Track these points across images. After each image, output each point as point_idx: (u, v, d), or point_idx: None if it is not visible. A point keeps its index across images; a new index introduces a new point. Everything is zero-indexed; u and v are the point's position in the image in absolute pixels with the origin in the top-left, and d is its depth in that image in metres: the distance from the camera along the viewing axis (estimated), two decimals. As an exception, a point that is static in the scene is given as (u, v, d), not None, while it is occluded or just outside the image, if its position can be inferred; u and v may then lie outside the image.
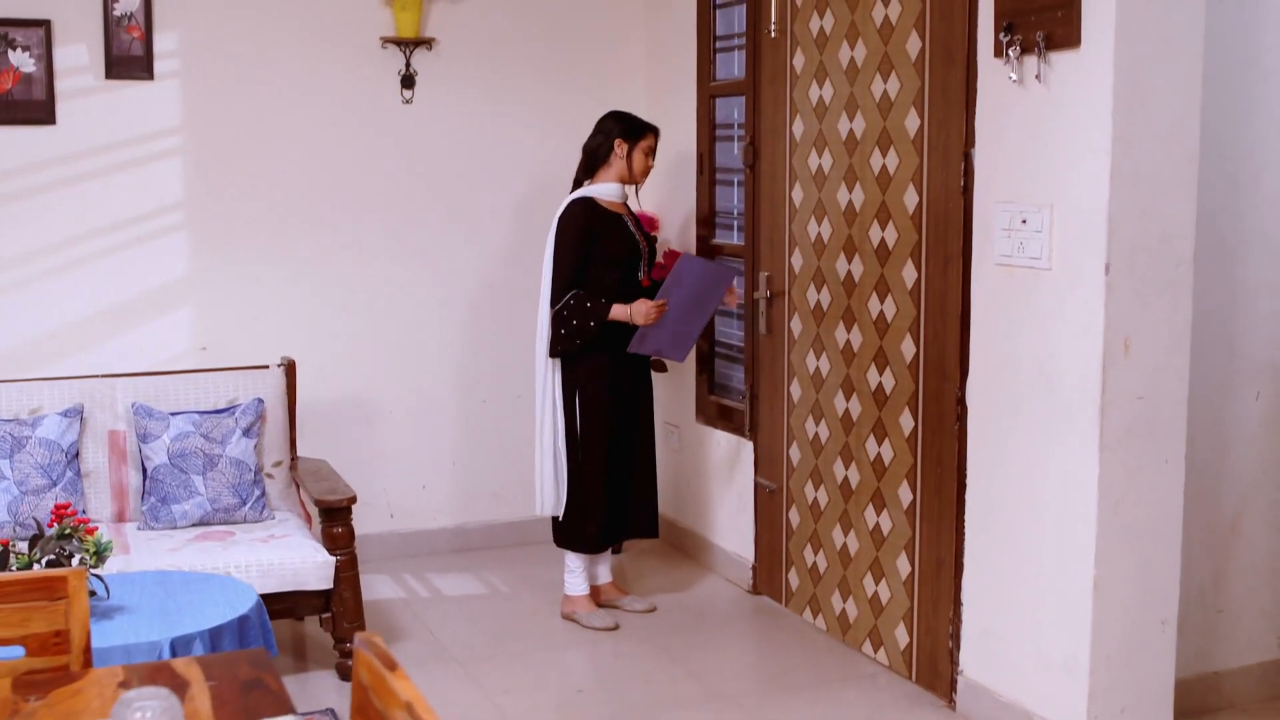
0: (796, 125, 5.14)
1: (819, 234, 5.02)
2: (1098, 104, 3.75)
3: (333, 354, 5.82)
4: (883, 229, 4.66)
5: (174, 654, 3.41)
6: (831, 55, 4.90)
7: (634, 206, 5.41)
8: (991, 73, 4.14)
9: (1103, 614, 3.86)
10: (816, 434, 5.10)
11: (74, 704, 2.19)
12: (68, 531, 3.58)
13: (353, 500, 4.72)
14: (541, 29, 6.13)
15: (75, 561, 3.60)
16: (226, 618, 3.61)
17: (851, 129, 4.80)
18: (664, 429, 6.19)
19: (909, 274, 4.54)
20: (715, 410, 5.91)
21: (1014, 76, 4.00)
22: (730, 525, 5.78)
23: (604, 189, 5.16)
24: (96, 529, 3.69)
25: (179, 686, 2.22)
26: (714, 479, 5.90)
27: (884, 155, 4.64)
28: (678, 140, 5.99)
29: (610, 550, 5.50)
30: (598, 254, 5.07)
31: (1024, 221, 4.01)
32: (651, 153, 5.23)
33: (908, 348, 4.56)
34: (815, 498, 5.13)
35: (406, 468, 6.05)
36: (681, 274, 5.07)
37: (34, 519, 4.19)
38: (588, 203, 5.12)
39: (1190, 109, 3.84)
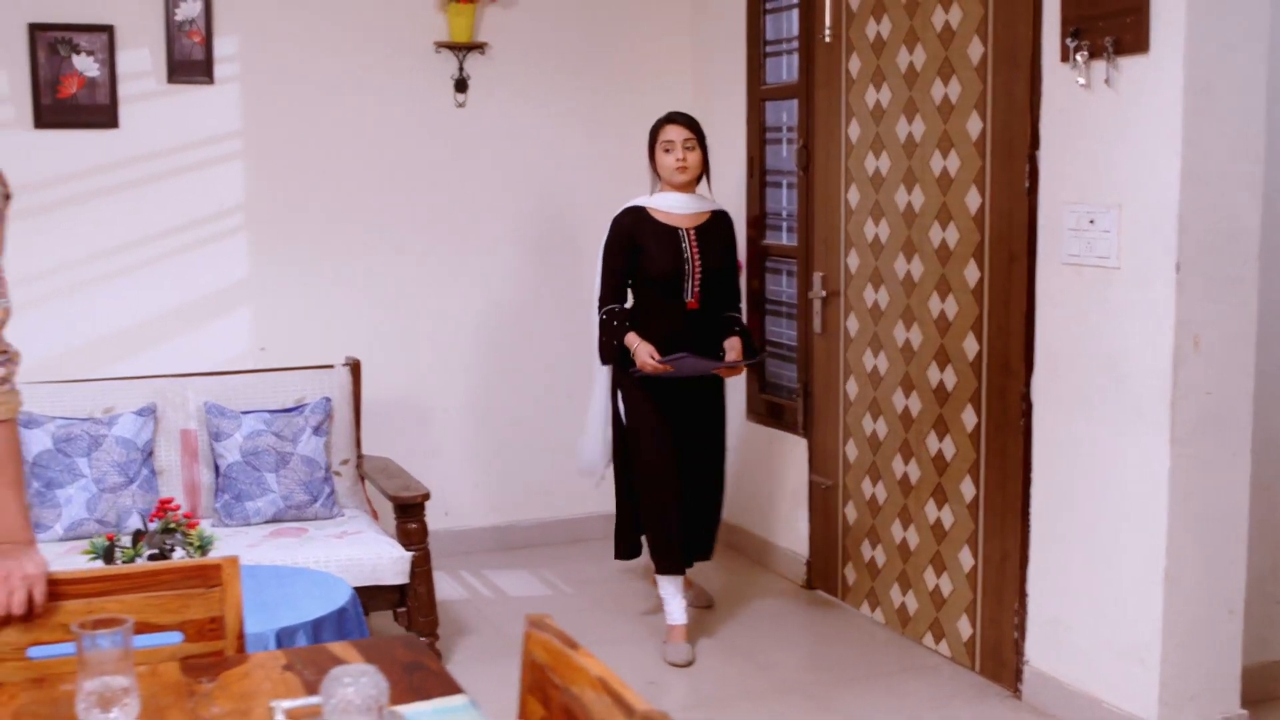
0: (852, 128, 5.23)
1: (876, 235, 5.12)
2: (1168, 107, 3.85)
3: (387, 353, 5.90)
4: (943, 230, 4.76)
5: (279, 645, 3.49)
6: (889, 60, 4.99)
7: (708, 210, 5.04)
8: (1057, 77, 4.23)
9: (1173, 603, 3.96)
10: (874, 431, 5.20)
11: (245, 685, 2.28)
12: (171, 526, 3.66)
13: (426, 497, 4.81)
14: (590, 33, 6.23)
15: (178, 555, 3.68)
16: (326, 610, 3.70)
17: (910, 132, 4.90)
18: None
19: (971, 273, 4.63)
20: (766, 408, 6.00)
21: (1082, 81, 4.10)
22: (783, 521, 5.87)
23: (661, 199, 4.96)
24: (198, 523, 3.78)
25: (342, 669, 2.31)
26: (765, 476, 6.00)
27: (944, 158, 4.74)
28: (726, 143, 6.08)
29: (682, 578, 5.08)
30: (640, 268, 4.91)
31: (1092, 222, 4.11)
32: (673, 147, 4.89)
33: (970, 345, 4.66)
34: (873, 493, 5.22)
35: (459, 466, 6.14)
36: (682, 366, 4.81)
37: (140, 514, 4.27)
38: (635, 212, 4.96)
39: (1256, 111, 3.94)
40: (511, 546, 6.25)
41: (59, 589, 2.44)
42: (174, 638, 2.50)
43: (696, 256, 4.89)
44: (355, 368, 5.44)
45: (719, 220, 5.02)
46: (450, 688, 2.27)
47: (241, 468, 4.94)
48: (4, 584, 2.37)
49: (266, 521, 4.93)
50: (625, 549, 5.24)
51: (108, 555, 3.69)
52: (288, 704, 2.12)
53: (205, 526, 4.19)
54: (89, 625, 2.06)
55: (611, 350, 4.92)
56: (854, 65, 5.20)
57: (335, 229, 5.85)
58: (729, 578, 5.86)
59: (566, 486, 6.22)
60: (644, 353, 4.78)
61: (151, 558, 3.67)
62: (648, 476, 4.96)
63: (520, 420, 6.25)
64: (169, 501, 3.81)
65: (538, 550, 6.22)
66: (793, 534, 5.80)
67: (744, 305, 5.38)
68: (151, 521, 3.76)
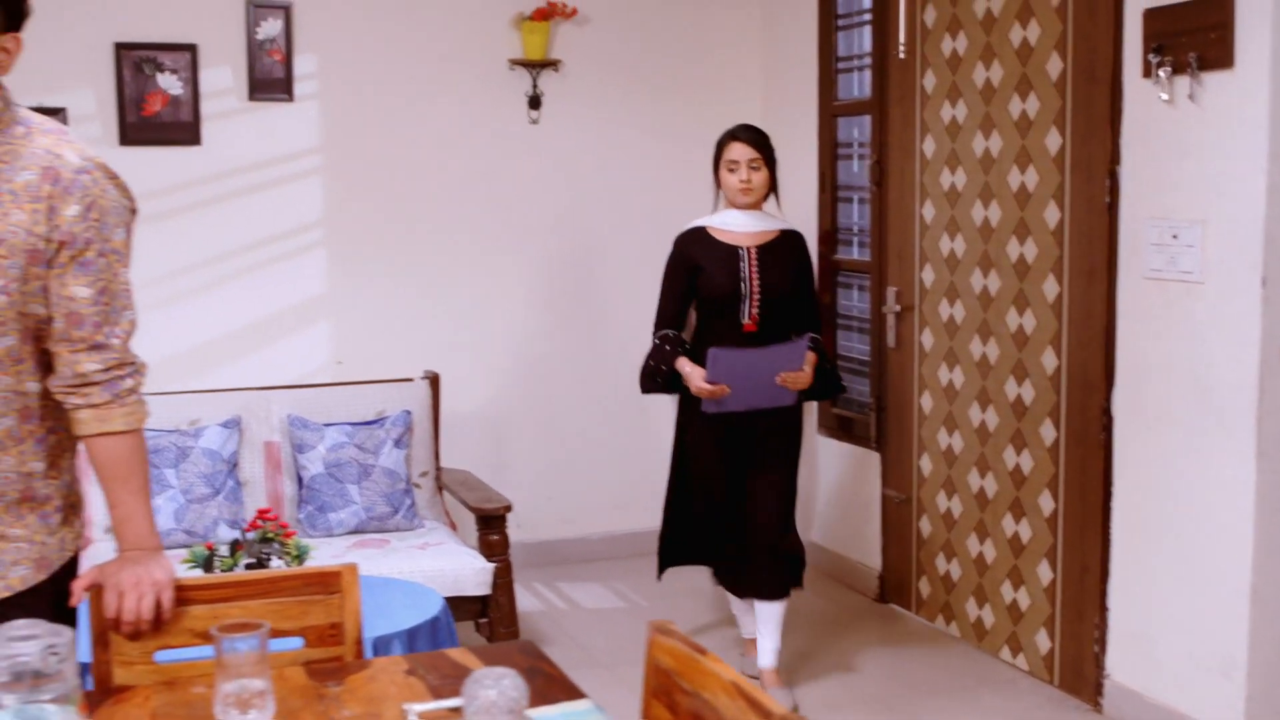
0: (927, 144, 5.27)
1: (952, 250, 5.15)
2: (1253, 122, 3.86)
3: (461, 367, 5.96)
4: (1021, 245, 4.78)
5: (375, 653, 3.55)
6: (965, 76, 5.02)
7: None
8: (1139, 92, 4.25)
9: (1260, 618, 3.96)
10: (949, 445, 5.22)
11: (371, 689, 2.33)
12: (269, 536, 3.73)
13: (509, 508, 4.87)
14: (661, 50, 6.28)
15: (274, 564, 3.75)
16: (420, 619, 3.76)
17: (987, 147, 4.93)
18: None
19: (1050, 288, 4.65)
20: (837, 422, 6.03)
21: (1164, 96, 4.12)
22: (855, 535, 5.89)
23: (722, 217, 4.71)
24: (295, 533, 3.85)
25: (465, 675, 2.36)
26: (836, 490, 6.02)
27: (1022, 173, 4.76)
28: (796, 159, 6.12)
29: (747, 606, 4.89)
30: (698, 289, 4.68)
31: (1175, 236, 4.12)
32: (738, 167, 4.61)
33: (1049, 360, 4.68)
34: (948, 507, 5.24)
35: (531, 479, 6.19)
36: (718, 367, 4.48)
37: (225, 524, 4.35)
38: (694, 232, 4.74)
39: (1342, 126, 3.95)
40: (583, 559, 6.29)
41: (185, 595, 2.50)
42: (295, 643, 2.56)
43: (755, 276, 4.59)
44: (434, 381, 5.51)
45: (787, 240, 4.70)
46: (572, 692, 2.31)
47: (324, 479, 5.01)
48: (134, 590, 2.43)
49: (349, 533, 5.00)
50: (661, 566, 4.96)
51: (207, 565, 3.76)
52: (420, 707, 2.17)
53: (301, 536, 4.26)
54: (227, 629, 2.12)
55: (657, 377, 4.68)
56: (929, 81, 5.23)
57: (411, 244, 5.93)
58: (802, 592, 5.87)
59: (637, 499, 6.26)
60: (697, 377, 4.50)
61: (248, 566, 3.74)
62: (702, 506, 4.74)
63: (592, 434, 6.30)
64: (266, 512, 3.88)
65: (609, 563, 6.26)
66: (865, 548, 5.82)
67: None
68: (248, 531, 3.83)
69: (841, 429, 6.00)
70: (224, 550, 3.86)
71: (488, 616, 4.76)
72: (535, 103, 6.07)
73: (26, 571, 2.48)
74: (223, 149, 5.64)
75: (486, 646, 2.60)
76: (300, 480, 5.08)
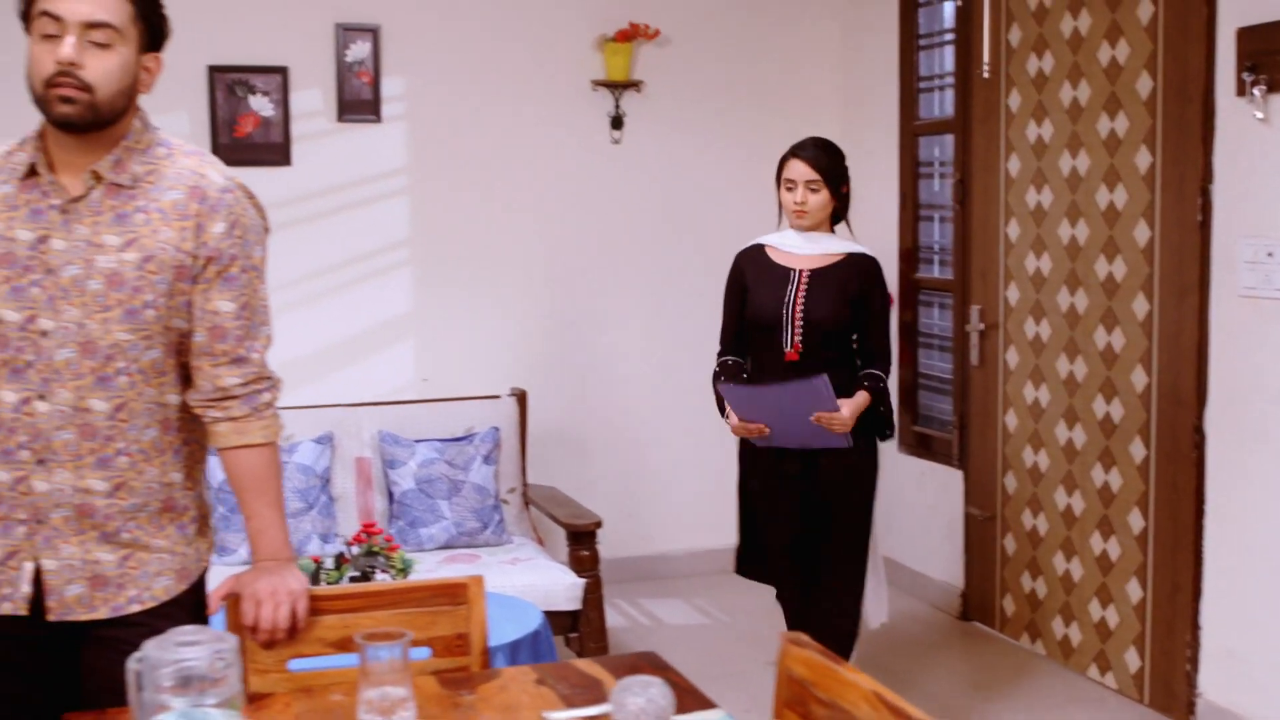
0: (1012, 163, 5.29)
1: (1038, 268, 5.16)
2: (1351, 140, 3.87)
3: (543, 384, 6.02)
4: (1109, 263, 4.79)
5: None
6: (1051, 95, 5.04)
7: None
8: (1232, 111, 4.26)
9: (1359, 636, 3.96)
10: (1035, 463, 5.22)
11: (505, 698, 2.38)
12: (374, 550, 3.79)
13: (599, 524, 4.92)
14: (741, 70, 6.33)
15: (379, 578, 3.81)
16: (521, 633, 3.81)
17: (1074, 166, 4.94)
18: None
19: (1140, 306, 4.66)
20: (917, 440, 6.05)
21: (1259, 115, 4.13)
22: (936, 552, 5.90)
23: (781, 237, 4.41)
24: (399, 547, 3.91)
25: (593, 685, 2.41)
26: (917, 507, 6.04)
27: (1110, 192, 4.78)
28: (877, 178, 6.16)
29: None
30: (745, 312, 4.40)
31: (1270, 254, 4.13)
32: (794, 186, 4.29)
33: (1138, 378, 4.68)
34: (1034, 525, 5.25)
35: (612, 495, 6.23)
36: (740, 405, 4.23)
37: (329, 539, 4.42)
38: (752, 250, 4.45)
39: None
40: (664, 576, 6.33)
41: (317, 605, 2.57)
42: (422, 653, 2.62)
43: (799, 302, 4.23)
44: (521, 398, 5.58)
45: (852, 265, 4.28)
46: (703, 702, 2.35)
47: (416, 495, 5.08)
48: (271, 599, 2.49)
49: (439, 548, 5.06)
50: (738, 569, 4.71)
51: (314, 578, 3.82)
52: (561, 715, 2.21)
53: (404, 551, 4.32)
54: (370, 637, 2.17)
55: (719, 403, 4.42)
56: (1014, 101, 5.26)
57: (495, 262, 6.00)
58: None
59: (717, 516, 6.29)
60: (733, 415, 4.26)
61: (352, 579, 3.80)
62: (765, 539, 4.47)
63: (674, 451, 6.34)
64: (371, 525, 3.95)
65: (690, 580, 6.29)
66: (947, 565, 5.83)
67: (891, 365, 4.40)
68: (353, 545, 3.89)
69: (922, 446, 6.02)
70: (329, 564, 3.92)
71: (578, 631, 4.81)
72: (617, 123, 6.14)
73: (169, 582, 2.54)
74: (312, 169, 5.74)
75: (611, 657, 2.64)
76: (391, 495, 5.15)
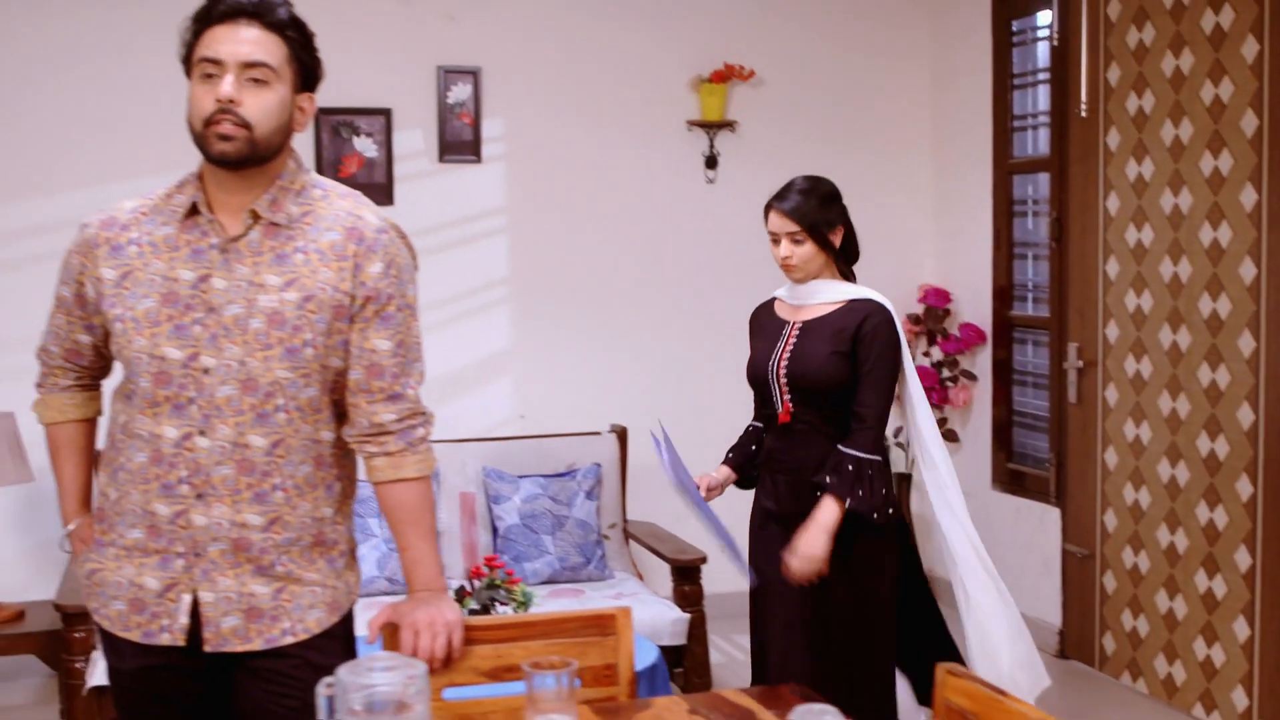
0: (1111, 201, 5.30)
1: (1138, 305, 5.17)
2: None
3: (638, 421, 6.07)
4: (1214, 300, 4.80)
5: (601, 698, 3.64)
6: (1152, 133, 5.06)
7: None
8: (1341, 149, 4.28)
9: None
10: (1136, 500, 5.22)
11: (660, 729, 2.43)
12: (495, 583, 3.85)
13: (704, 560, 4.96)
14: (834, 110, 6.40)
15: (500, 610, 3.87)
16: (640, 666, 3.85)
17: (1176, 204, 4.96)
18: (953, 496, 6.36)
19: (1245, 343, 4.66)
20: (1011, 477, 6.05)
21: (1370, 152, 4.14)
22: (1032, 590, 5.89)
23: (788, 287, 3.99)
24: (520, 580, 3.96)
25: (745, 715, 2.45)
26: (1012, 545, 6.03)
27: (1215, 229, 4.79)
28: (968, 216, 6.20)
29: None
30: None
31: (1382, 292, 4.13)
32: (777, 239, 3.85)
33: (1245, 415, 4.68)
34: (1134, 563, 5.24)
35: (700, 532, 6.25)
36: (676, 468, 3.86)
37: (465, 571, 4.48)
38: (765, 304, 4.10)
39: None
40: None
41: (471, 635, 2.62)
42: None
43: (785, 356, 3.84)
44: (622, 435, 5.64)
45: (850, 313, 3.81)
46: (858, 733, 2.38)
47: (520, 530, 5.14)
48: (428, 629, 2.55)
49: (543, 582, 5.12)
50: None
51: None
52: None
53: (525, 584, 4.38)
54: (537, 666, 2.23)
55: None
56: (1113, 139, 5.28)
57: (592, 300, 6.07)
58: (976, 646, 5.88)
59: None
60: (706, 481, 3.98)
61: (473, 612, 3.86)
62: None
63: (764, 487, 6.37)
64: (493, 559, 4.01)
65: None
66: (1043, 603, 5.82)
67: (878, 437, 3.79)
68: (474, 578, 3.95)
69: (1016, 483, 6.02)
70: (451, 597, 3.98)
71: (682, 666, 4.84)
72: (712, 162, 6.21)
73: (321, 614, 2.60)
74: (414, 209, 5.83)
75: (760, 688, 2.68)
76: (495, 530, 5.21)
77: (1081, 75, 5.38)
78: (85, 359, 2.76)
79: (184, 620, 2.54)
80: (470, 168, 5.92)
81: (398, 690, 1.92)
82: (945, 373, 6.26)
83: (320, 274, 2.53)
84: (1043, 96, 5.90)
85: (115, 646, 2.64)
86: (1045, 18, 5.78)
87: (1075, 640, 5.64)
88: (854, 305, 3.82)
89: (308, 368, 2.52)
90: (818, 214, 3.81)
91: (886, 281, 6.37)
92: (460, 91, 5.87)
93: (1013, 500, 6.02)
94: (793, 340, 3.83)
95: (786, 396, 3.82)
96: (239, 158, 2.48)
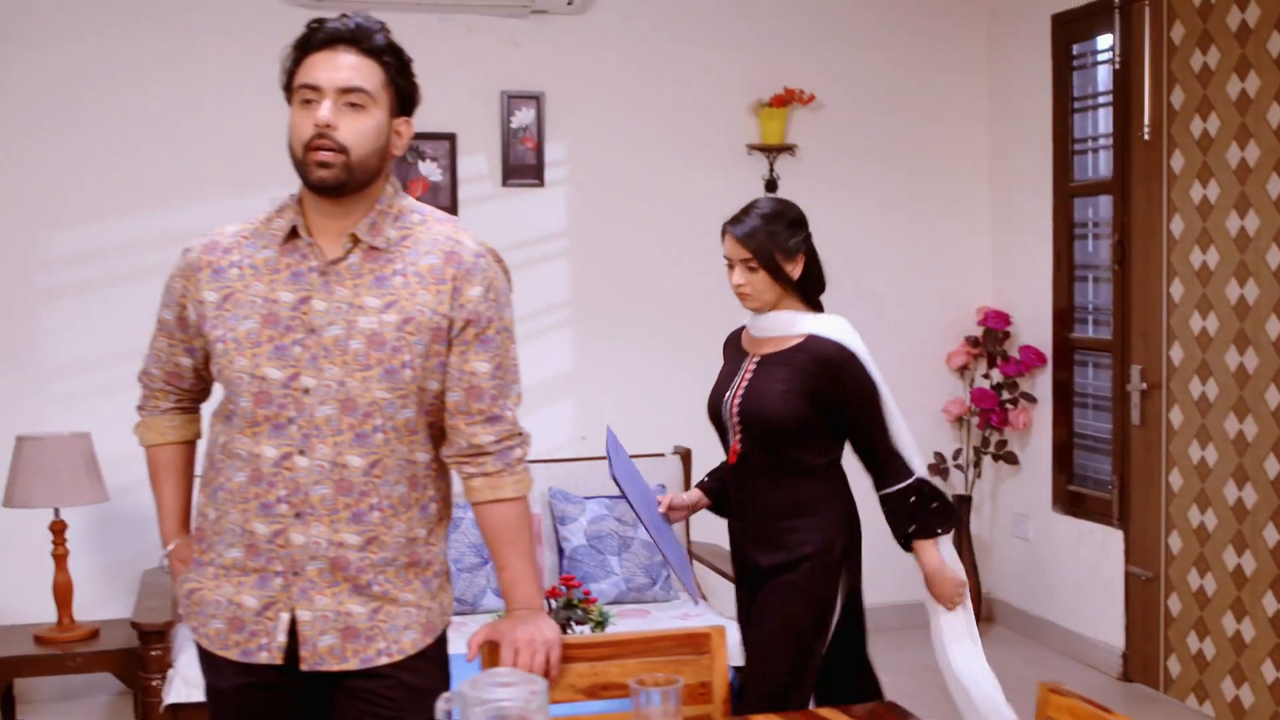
0: (1175, 223, 5.31)
1: (1204, 328, 5.18)
2: None
3: (701, 443, 6.09)
4: (1281, 322, 4.81)
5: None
6: (1218, 156, 5.07)
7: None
8: None
9: None
10: (1202, 522, 5.22)
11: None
12: (574, 602, 3.88)
13: (771, 580, 4.97)
14: (890, 133, 6.43)
15: (578, 630, 3.90)
16: (716, 685, 3.87)
17: (1243, 226, 4.96)
18: (1013, 519, 6.37)
19: (1314, 366, 4.67)
20: (1071, 499, 6.05)
21: None
22: (1095, 613, 5.89)
23: (751, 319, 3.72)
24: (596, 600, 4.00)
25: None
26: (1073, 567, 6.03)
27: (1282, 251, 4.80)
28: (1027, 238, 6.22)
29: None
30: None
31: None
32: (731, 266, 3.63)
33: (1314, 437, 4.68)
34: (1200, 585, 5.23)
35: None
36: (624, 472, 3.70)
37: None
38: (735, 332, 3.87)
39: None
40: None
41: (569, 653, 2.66)
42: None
43: (739, 394, 3.60)
44: (685, 456, 5.67)
45: (805, 352, 3.55)
46: (957, 752, 2.41)
47: (586, 551, 5.18)
48: (529, 647, 2.58)
49: (609, 603, 5.14)
50: None
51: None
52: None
53: (601, 604, 4.41)
54: (644, 683, 2.26)
55: None
56: (1177, 162, 5.29)
57: (654, 323, 6.12)
58: (1037, 669, 5.89)
59: (882, 574, 6.33)
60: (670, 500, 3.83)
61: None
62: None
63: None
64: (571, 579, 4.04)
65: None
66: (1105, 625, 5.82)
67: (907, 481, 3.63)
68: (551, 598, 3.99)
69: (1076, 505, 6.02)
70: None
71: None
72: (772, 186, 6.24)
73: (416, 635, 2.63)
74: (478, 232, 5.73)
75: (856, 705, 2.71)
76: (561, 551, 5.25)
77: (1145, 98, 5.40)
78: (186, 382, 2.81)
79: (281, 639, 2.57)
80: (533, 191, 5.98)
81: (520, 705, 1.96)
82: (1005, 395, 6.26)
83: (419, 297, 2.57)
84: (1103, 120, 5.92)
85: (214, 664, 2.68)
86: (1105, 41, 5.81)
87: (1139, 663, 5.63)
88: (810, 343, 3.54)
89: (405, 389, 2.56)
90: (774, 241, 3.54)
91: (944, 303, 6.46)
92: (524, 116, 5.93)
93: (1073, 522, 6.02)
94: (749, 375, 3.59)
95: (737, 436, 3.58)
96: (337, 184, 2.53)
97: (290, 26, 6.21)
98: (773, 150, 6.20)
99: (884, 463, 3.57)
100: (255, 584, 2.58)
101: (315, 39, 2.57)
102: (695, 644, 2.72)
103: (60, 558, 4.94)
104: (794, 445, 3.51)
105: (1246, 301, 4.96)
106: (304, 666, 2.57)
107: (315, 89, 2.53)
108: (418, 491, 2.65)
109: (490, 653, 2.62)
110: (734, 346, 3.76)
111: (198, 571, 2.67)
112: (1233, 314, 5.03)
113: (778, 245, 3.53)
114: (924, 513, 3.56)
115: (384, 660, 2.59)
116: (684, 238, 6.14)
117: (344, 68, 2.53)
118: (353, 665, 2.58)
